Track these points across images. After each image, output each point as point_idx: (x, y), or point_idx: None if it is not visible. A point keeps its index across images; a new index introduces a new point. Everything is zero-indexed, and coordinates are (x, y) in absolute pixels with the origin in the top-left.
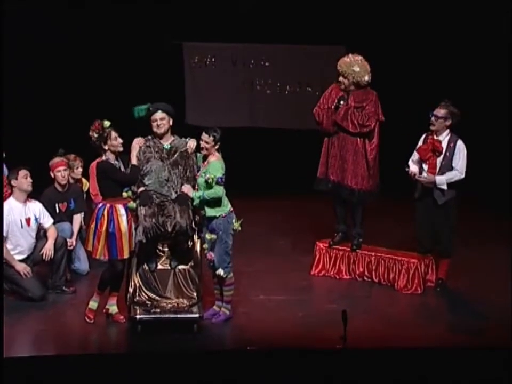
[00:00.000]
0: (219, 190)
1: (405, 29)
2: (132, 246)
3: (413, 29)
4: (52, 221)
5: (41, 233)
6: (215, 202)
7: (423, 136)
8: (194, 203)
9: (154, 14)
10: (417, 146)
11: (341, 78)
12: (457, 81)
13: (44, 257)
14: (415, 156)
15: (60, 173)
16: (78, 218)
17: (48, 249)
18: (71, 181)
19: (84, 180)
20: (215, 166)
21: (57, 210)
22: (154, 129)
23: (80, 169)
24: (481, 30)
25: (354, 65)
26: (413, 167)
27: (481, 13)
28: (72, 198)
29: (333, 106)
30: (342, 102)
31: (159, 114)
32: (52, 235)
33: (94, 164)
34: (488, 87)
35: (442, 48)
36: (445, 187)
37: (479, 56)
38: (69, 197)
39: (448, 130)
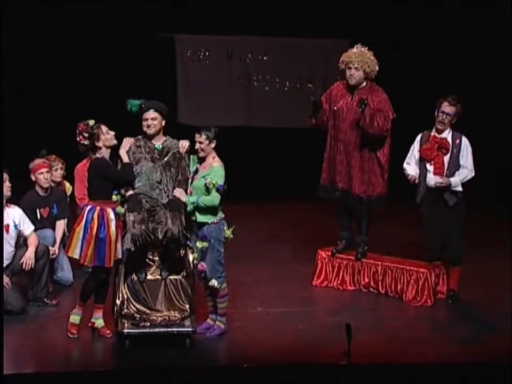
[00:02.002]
0: (216, 199)
1: (410, 22)
2: (117, 254)
3: (418, 21)
4: (32, 227)
5: (21, 242)
6: (209, 208)
7: (419, 136)
8: (188, 209)
9: (143, 5)
10: (413, 147)
11: (352, 71)
12: (461, 79)
13: (23, 266)
14: (412, 158)
15: (42, 175)
16: (61, 225)
17: (28, 257)
18: (52, 184)
19: (66, 184)
20: (218, 171)
21: (39, 216)
22: (144, 129)
23: (60, 172)
24: (484, 27)
25: (368, 54)
26: (411, 171)
27: (485, 9)
28: (54, 202)
29: (360, 110)
30: (363, 107)
31: (150, 114)
32: (32, 243)
33: (80, 166)
34: (490, 87)
35: (447, 46)
36: (460, 188)
37: (483, 54)
38: (51, 201)
39: (449, 128)
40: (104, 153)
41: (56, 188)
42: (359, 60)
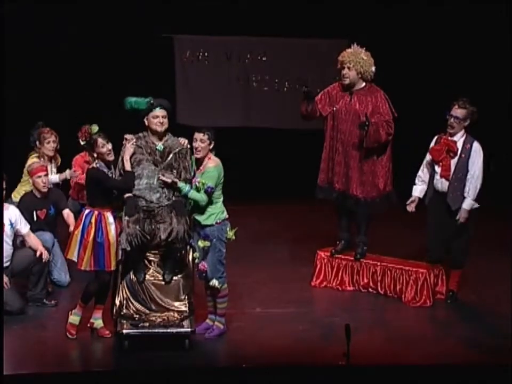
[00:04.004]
0: (204, 199)
1: (410, 23)
2: (118, 257)
3: (418, 21)
4: (28, 226)
5: (17, 242)
6: (207, 209)
7: (435, 138)
8: (181, 193)
9: (143, 5)
10: (430, 148)
11: (345, 71)
12: (463, 81)
13: (43, 260)
14: (428, 157)
15: (41, 179)
16: (67, 213)
17: (42, 251)
18: (45, 157)
19: (58, 158)
20: (210, 173)
21: (35, 218)
22: (155, 127)
23: (53, 145)
24: (485, 26)
25: (361, 53)
26: (416, 191)
27: (485, 9)
28: (51, 203)
29: (363, 132)
30: (366, 128)
31: (162, 112)
32: (35, 243)
33: (78, 157)
34: (490, 88)
35: (448, 46)
36: (477, 205)
37: (484, 53)
38: (48, 203)
39: (463, 131)
40: (100, 162)
41: (55, 189)
42: (351, 59)
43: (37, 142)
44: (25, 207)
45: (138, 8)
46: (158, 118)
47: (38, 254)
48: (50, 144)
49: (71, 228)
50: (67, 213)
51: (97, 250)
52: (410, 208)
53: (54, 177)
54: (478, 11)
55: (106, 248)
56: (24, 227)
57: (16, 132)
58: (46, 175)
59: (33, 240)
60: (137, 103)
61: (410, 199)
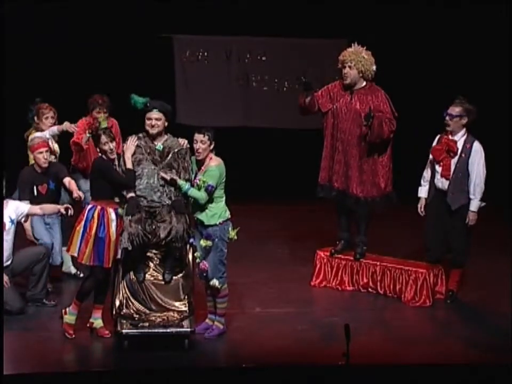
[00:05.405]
0: (204, 198)
1: (410, 23)
2: (117, 255)
3: (418, 21)
4: (28, 204)
5: (22, 221)
6: (210, 209)
7: (437, 137)
8: (181, 191)
9: (142, 5)
10: (431, 147)
11: (346, 70)
12: (464, 81)
13: (69, 213)
14: (431, 156)
15: (42, 155)
16: (70, 180)
17: (61, 208)
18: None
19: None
20: (212, 172)
21: (36, 193)
22: (147, 128)
23: (51, 120)
24: (485, 26)
25: (362, 53)
26: (422, 192)
27: (485, 9)
28: (51, 178)
29: (367, 124)
30: (371, 120)
31: (155, 114)
32: (47, 208)
33: (83, 120)
34: (490, 88)
35: (449, 45)
36: (483, 204)
37: (484, 53)
38: (48, 177)
39: (464, 130)
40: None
41: (55, 162)
42: (352, 58)
43: (35, 118)
44: (25, 181)
45: (138, 8)
46: (150, 120)
47: (63, 211)
48: (48, 120)
49: (75, 194)
50: (68, 181)
51: (98, 245)
52: (422, 212)
53: (53, 128)
54: (478, 11)
55: (106, 244)
56: (25, 208)
57: (16, 132)
58: (47, 150)
59: (42, 209)
60: (135, 102)
61: (420, 203)
